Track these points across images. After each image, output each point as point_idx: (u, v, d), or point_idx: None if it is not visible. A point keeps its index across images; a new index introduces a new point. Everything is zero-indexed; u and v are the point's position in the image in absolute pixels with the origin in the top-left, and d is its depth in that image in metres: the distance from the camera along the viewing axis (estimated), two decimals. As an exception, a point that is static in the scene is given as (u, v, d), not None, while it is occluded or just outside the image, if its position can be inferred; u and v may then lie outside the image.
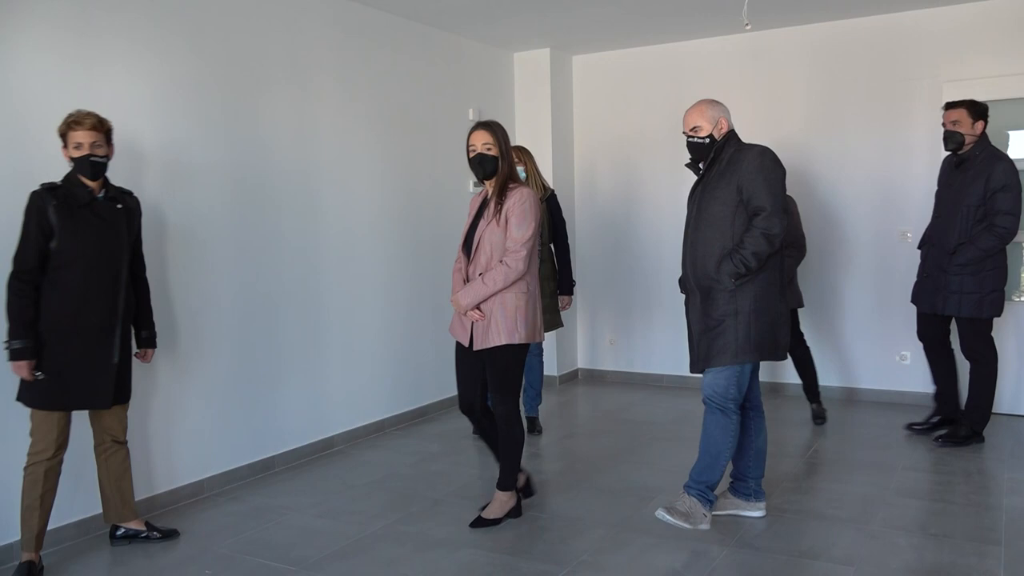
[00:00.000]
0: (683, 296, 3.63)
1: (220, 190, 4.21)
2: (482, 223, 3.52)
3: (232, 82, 4.27)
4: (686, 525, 3.47)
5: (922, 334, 4.80)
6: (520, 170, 4.66)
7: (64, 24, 3.54)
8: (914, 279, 4.80)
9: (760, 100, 5.97)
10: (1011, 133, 5.22)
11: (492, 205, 3.50)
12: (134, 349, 3.48)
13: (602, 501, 3.91)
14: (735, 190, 3.34)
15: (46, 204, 3.11)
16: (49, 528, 3.31)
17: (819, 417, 5.23)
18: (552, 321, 4.80)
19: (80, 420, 3.40)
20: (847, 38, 5.73)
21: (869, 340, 5.77)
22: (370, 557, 3.35)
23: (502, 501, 3.65)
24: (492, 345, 3.46)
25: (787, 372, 5.47)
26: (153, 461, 3.92)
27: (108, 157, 3.25)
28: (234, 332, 4.29)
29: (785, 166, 3.45)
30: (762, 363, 3.63)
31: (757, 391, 3.63)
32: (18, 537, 3.24)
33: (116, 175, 3.49)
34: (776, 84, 5.96)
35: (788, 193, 3.72)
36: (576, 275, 5.88)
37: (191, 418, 4.09)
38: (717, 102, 3.51)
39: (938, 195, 4.65)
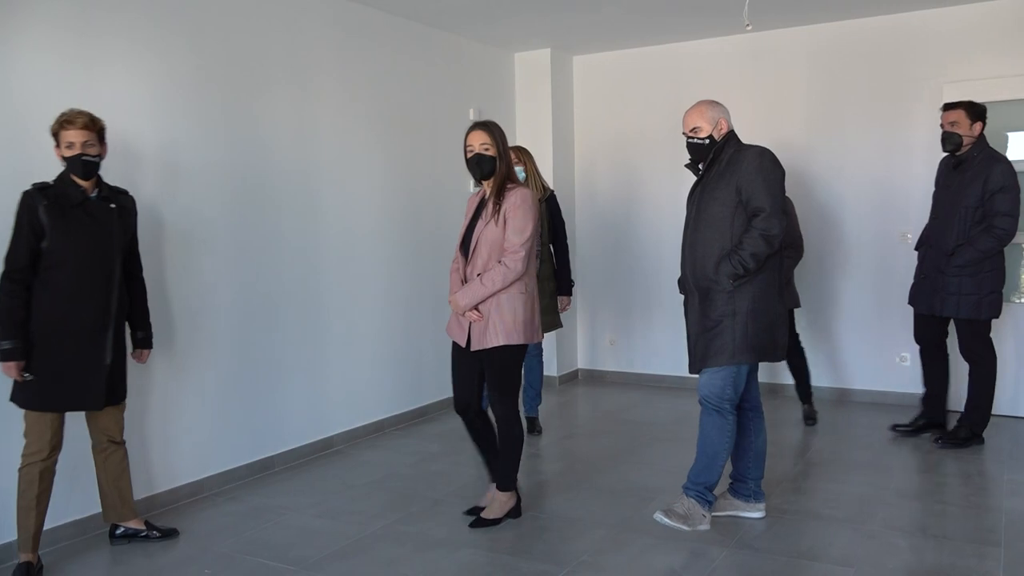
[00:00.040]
0: (683, 297, 3.64)
1: (220, 190, 4.21)
2: (480, 223, 3.51)
3: (232, 82, 4.27)
4: (684, 527, 3.47)
5: (919, 336, 4.79)
6: (519, 170, 4.65)
7: (64, 24, 3.54)
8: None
9: (760, 101, 5.97)
10: (1010, 134, 5.22)
11: (490, 205, 3.49)
12: (128, 349, 3.46)
13: (602, 501, 3.91)
14: (734, 191, 3.34)
15: (37, 204, 3.09)
16: (47, 527, 3.31)
17: (810, 418, 5.24)
18: (551, 322, 4.79)
19: (78, 420, 3.40)
20: (847, 39, 5.73)
21: (869, 341, 5.77)
22: (370, 557, 3.35)
23: (502, 501, 3.65)
24: (490, 346, 3.46)
25: (786, 373, 5.48)
26: (152, 461, 3.92)
27: (101, 156, 3.23)
28: (234, 332, 4.29)
29: (785, 167, 3.45)
30: (761, 364, 3.62)
31: (756, 392, 3.63)
32: (15, 538, 3.23)
33: (116, 175, 3.49)
34: (776, 85, 5.96)
35: (787, 194, 3.72)
36: (576, 275, 5.88)
37: (190, 417, 4.09)
38: (717, 103, 3.51)
39: (935, 196, 4.65)
